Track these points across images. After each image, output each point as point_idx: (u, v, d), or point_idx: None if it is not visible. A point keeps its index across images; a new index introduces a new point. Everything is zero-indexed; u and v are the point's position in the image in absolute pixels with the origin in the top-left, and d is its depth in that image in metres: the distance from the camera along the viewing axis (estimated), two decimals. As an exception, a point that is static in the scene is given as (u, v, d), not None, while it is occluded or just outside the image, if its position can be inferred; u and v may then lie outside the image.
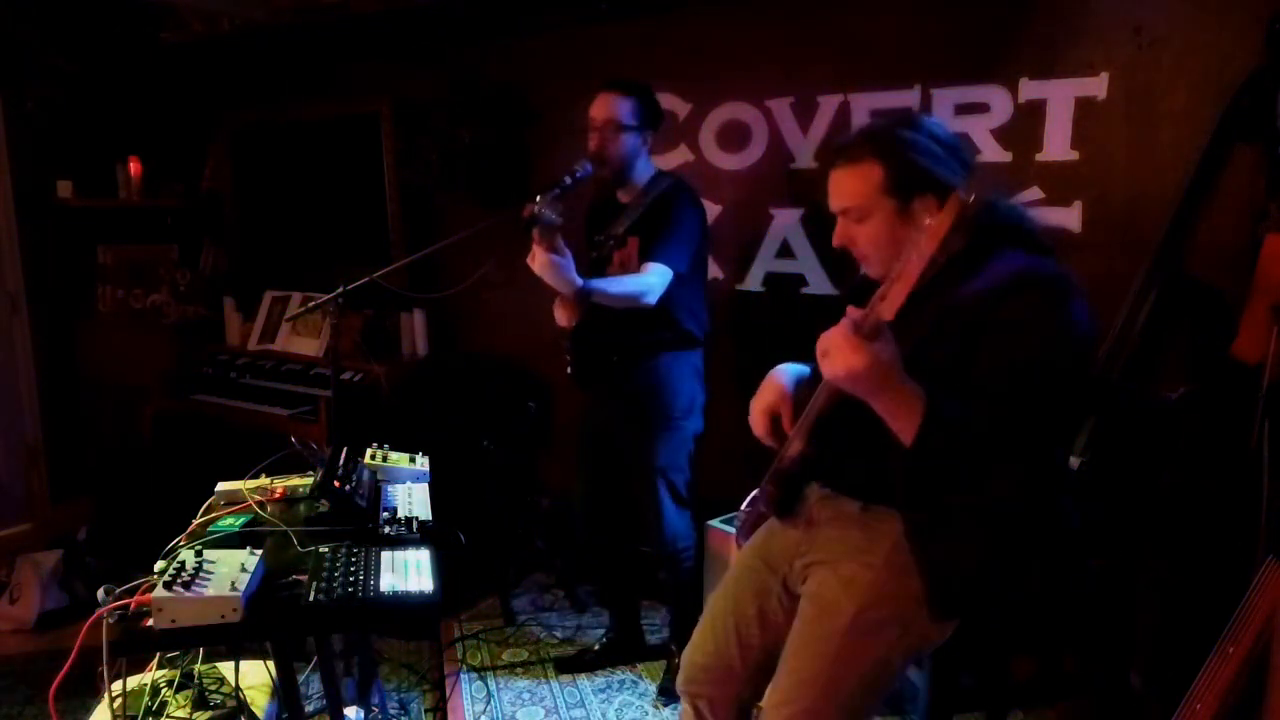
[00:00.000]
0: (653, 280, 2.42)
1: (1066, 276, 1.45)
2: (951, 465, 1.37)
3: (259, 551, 1.53)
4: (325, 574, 1.51)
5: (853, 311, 1.33)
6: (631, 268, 2.55)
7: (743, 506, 1.81)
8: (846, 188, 1.53)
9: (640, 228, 2.53)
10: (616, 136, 2.48)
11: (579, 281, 2.33)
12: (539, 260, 2.30)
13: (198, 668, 1.80)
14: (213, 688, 1.78)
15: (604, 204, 2.67)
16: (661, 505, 2.62)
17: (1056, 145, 2.58)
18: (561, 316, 2.52)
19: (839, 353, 1.32)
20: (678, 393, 2.59)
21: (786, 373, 1.71)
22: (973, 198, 1.23)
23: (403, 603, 1.47)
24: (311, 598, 1.45)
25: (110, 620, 1.38)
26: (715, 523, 2.82)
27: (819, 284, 3.07)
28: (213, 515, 1.80)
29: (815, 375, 1.64)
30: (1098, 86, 2.51)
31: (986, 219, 1.52)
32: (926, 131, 1.51)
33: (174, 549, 1.61)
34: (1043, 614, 1.65)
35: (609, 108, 2.49)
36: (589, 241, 2.66)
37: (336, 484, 1.77)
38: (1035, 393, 1.38)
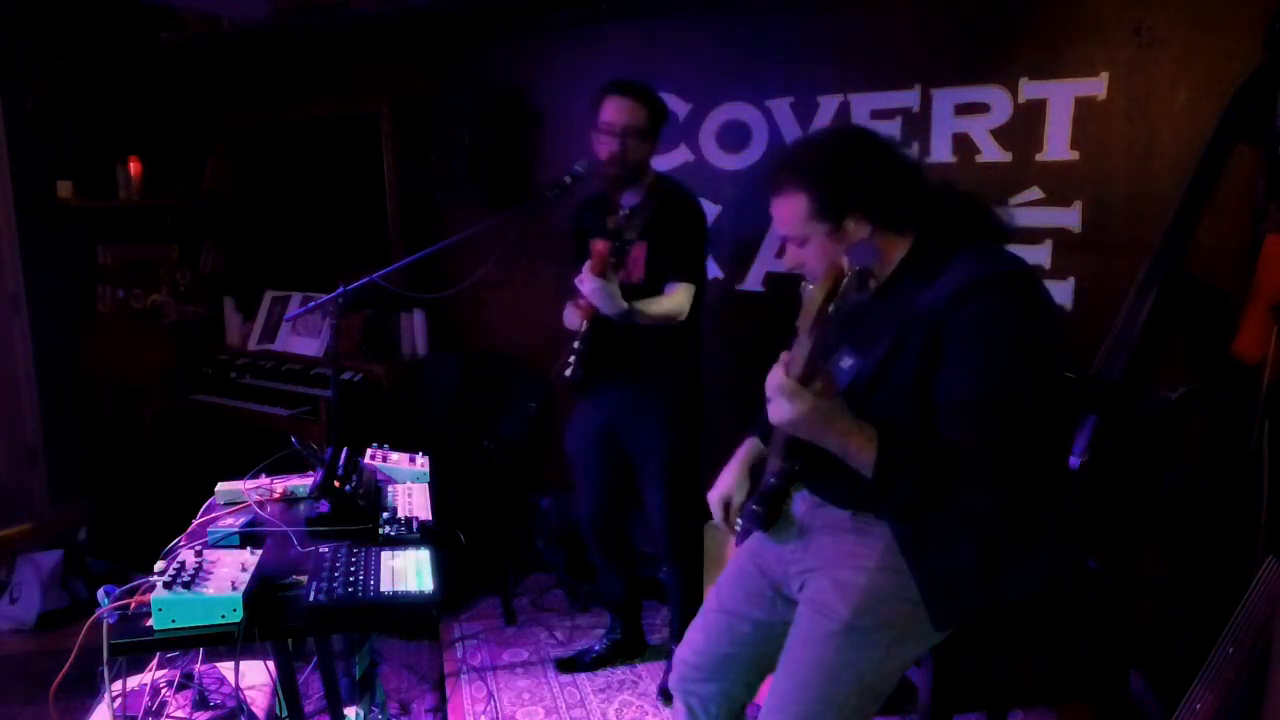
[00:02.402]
0: (685, 301, 2.48)
1: (1021, 272, 1.45)
2: (914, 491, 1.39)
3: (259, 551, 1.53)
4: (325, 574, 1.51)
5: (785, 356, 1.38)
6: (637, 271, 2.55)
7: (741, 515, 1.82)
8: (781, 215, 1.56)
9: (649, 233, 2.53)
10: (638, 144, 2.48)
11: (624, 305, 2.37)
12: (589, 285, 2.35)
13: (198, 668, 1.80)
14: (213, 688, 1.78)
15: (602, 205, 2.67)
16: (665, 503, 2.62)
17: (1056, 145, 2.59)
18: (573, 319, 2.53)
19: (777, 399, 1.37)
20: (679, 386, 2.59)
21: (741, 459, 1.80)
22: (849, 265, 1.28)
23: (403, 603, 1.47)
24: (311, 598, 1.45)
25: (110, 620, 1.39)
26: (715, 523, 2.82)
27: (819, 284, 3.06)
28: (213, 515, 1.80)
29: None
30: (1098, 86, 2.51)
31: (937, 221, 1.52)
32: (853, 147, 1.52)
33: (174, 549, 1.61)
34: (1042, 614, 1.65)
35: (629, 114, 2.47)
36: (577, 240, 2.66)
37: (336, 484, 1.77)
38: (1004, 391, 1.38)
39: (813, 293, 1.30)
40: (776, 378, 1.38)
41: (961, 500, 1.39)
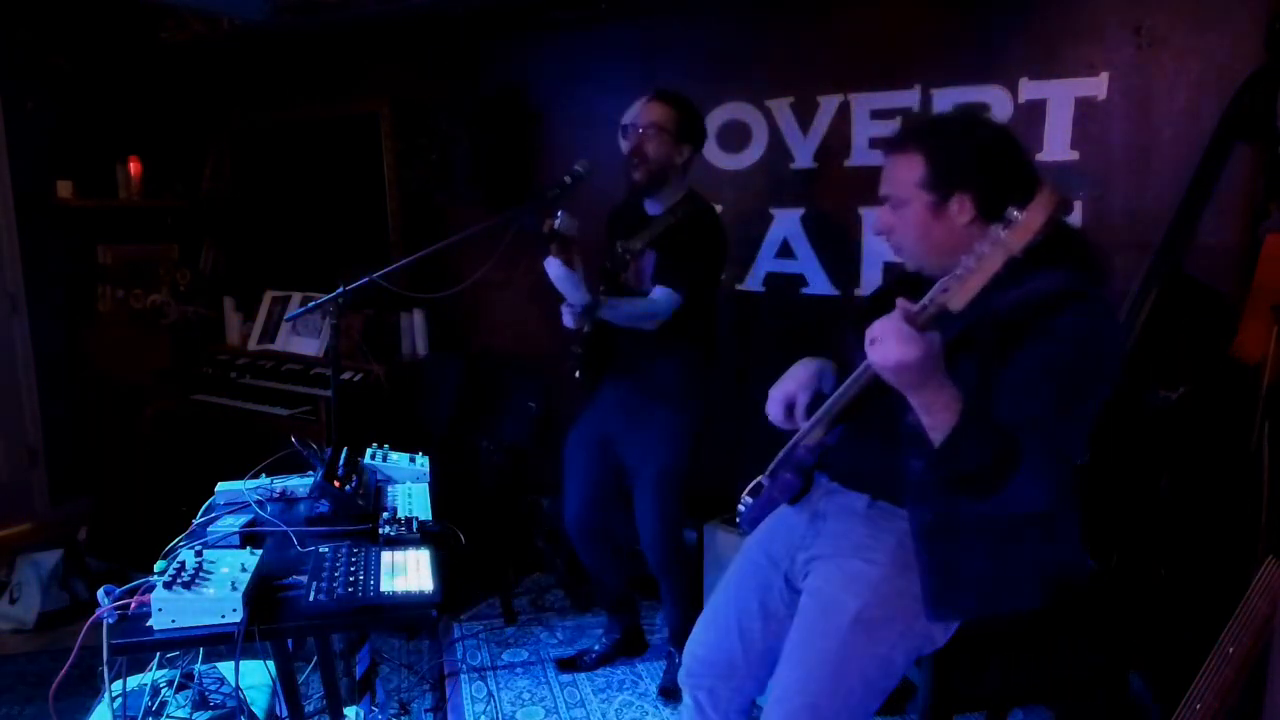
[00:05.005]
0: (660, 306, 2.44)
1: (1106, 298, 1.45)
2: (974, 471, 1.36)
3: (259, 551, 1.53)
4: (325, 574, 1.51)
5: (905, 303, 1.32)
6: (644, 279, 2.55)
7: (745, 495, 1.81)
8: (889, 174, 1.56)
9: (659, 244, 2.53)
10: (654, 138, 2.49)
11: (587, 297, 2.35)
12: (554, 271, 2.33)
13: (198, 668, 1.80)
14: (213, 688, 1.78)
15: (630, 212, 2.67)
16: (658, 510, 2.61)
17: (1056, 145, 2.58)
18: (568, 319, 2.53)
19: (891, 341, 1.30)
20: (681, 394, 2.58)
21: (811, 364, 1.73)
22: (1073, 192, 1.21)
23: (403, 603, 1.47)
24: (311, 598, 1.45)
25: (110, 620, 1.39)
26: (715, 522, 2.82)
27: (819, 284, 3.07)
28: (213, 515, 1.80)
29: (842, 369, 1.64)
30: (1098, 86, 2.51)
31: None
32: (982, 132, 1.53)
33: (174, 549, 1.61)
34: (1042, 614, 1.65)
35: (651, 113, 2.50)
36: (609, 247, 2.65)
37: (336, 484, 1.77)
38: (1072, 405, 1.39)
39: (1028, 217, 1.19)
40: (893, 320, 1.31)
41: (1010, 493, 1.37)
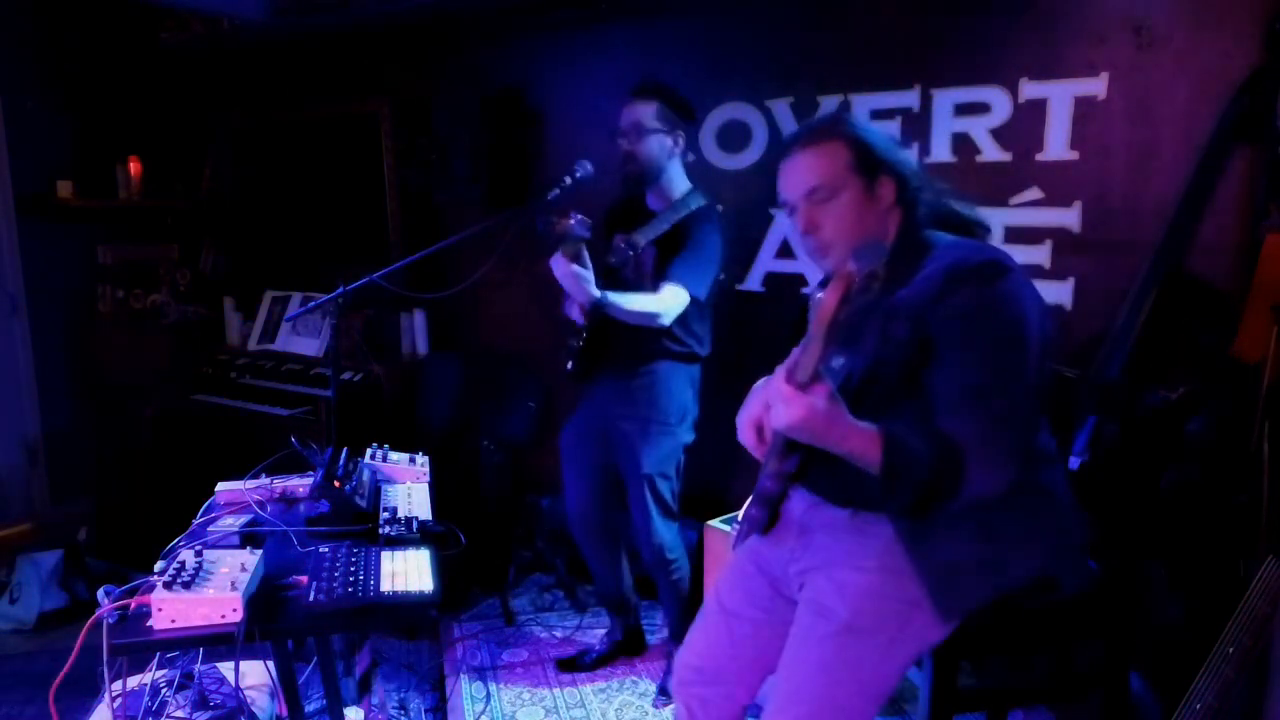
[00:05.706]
0: (669, 302, 2.43)
1: (998, 259, 1.47)
2: (919, 491, 1.39)
3: (259, 551, 1.53)
4: (325, 574, 1.52)
5: (789, 363, 1.38)
6: (645, 276, 2.55)
7: (740, 517, 1.82)
8: (814, 166, 1.57)
9: (663, 242, 2.53)
10: (641, 139, 2.50)
11: (596, 294, 2.35)
12: (561, 269, 2.33)
13: (198, 668, 1.80)
14: (213, 688, 1.78)
15: (631, 206, 2.67)
16: (649, 513, 2.61)
17: (1056, 145, 2.59)
18: (572, 310, 2.53)
19: (779, 406, 1.37)
20: (672, 398, 2.59)
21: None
22: (857, 270, 1.26)
23: (403, 603, 1.47)
24: (311, 598, 1.45)
25: (110, 620, 1.39)
26: (715, 522, 2.82)
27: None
28: (213, 515, 1.81)
29: None
30: (1098, 86, 2.51)
31: (913, 221, 1.58)
32: (866, 126, 1.62)
33: (174, 549, 1.61)
34: (1042, 614, 1.65)
35: (632, 114, 2.52)
36: (607, 241, 2.66)
37: (336, 484, 1.77)
38: (1005, 375, 1.41)
39: (825, 298, 1.29)
40: (776, 383, 1.38)
41: (970, 490, 1.39)
